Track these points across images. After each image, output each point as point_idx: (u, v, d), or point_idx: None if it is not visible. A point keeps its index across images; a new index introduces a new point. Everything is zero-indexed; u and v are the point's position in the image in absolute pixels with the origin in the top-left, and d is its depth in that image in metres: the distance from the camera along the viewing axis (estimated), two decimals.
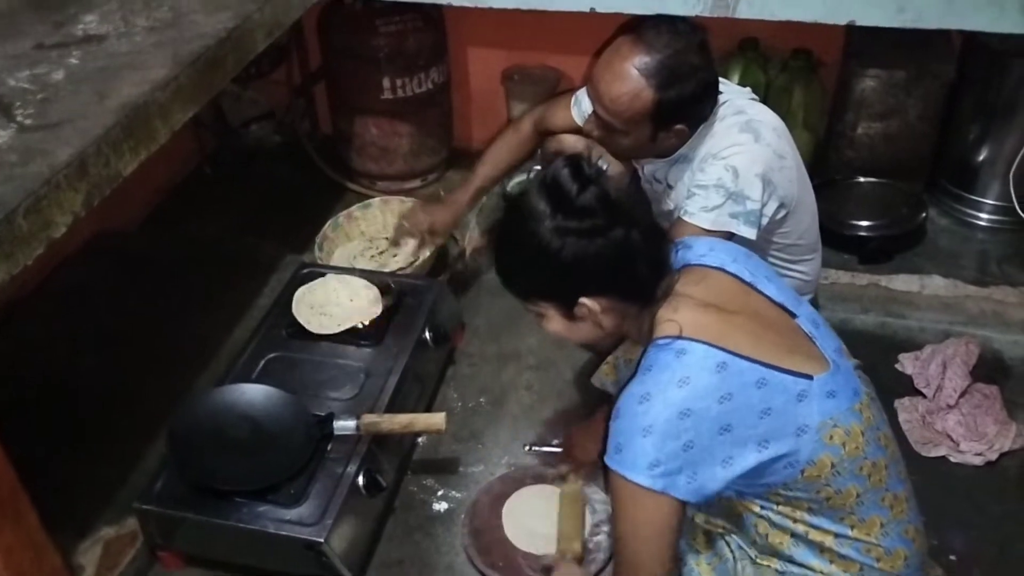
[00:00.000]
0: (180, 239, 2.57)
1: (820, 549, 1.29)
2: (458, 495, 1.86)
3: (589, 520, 1.74)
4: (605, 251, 1.20)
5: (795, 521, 1.27)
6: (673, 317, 1.22)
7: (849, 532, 1.26)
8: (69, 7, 1.78)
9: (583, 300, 1.25)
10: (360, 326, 1.96)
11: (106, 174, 1.32)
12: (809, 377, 1.20)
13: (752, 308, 1.28)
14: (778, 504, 1.27)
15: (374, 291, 2.05)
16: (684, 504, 1.19)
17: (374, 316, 1.98)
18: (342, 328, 1.96)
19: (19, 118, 1.36)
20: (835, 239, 2.27)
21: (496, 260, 1.33)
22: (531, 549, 1.71)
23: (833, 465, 1.20)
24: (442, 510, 1.84)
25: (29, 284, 2.26)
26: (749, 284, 1.32)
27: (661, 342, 1.21)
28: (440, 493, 1.87)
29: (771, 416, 1.17)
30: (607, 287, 1.25)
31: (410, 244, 2.26)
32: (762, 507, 1.28)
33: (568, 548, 1.64)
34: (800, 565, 1.31)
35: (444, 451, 1.96)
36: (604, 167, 1.24)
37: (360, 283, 2.07)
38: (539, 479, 1.85)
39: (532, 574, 1.67)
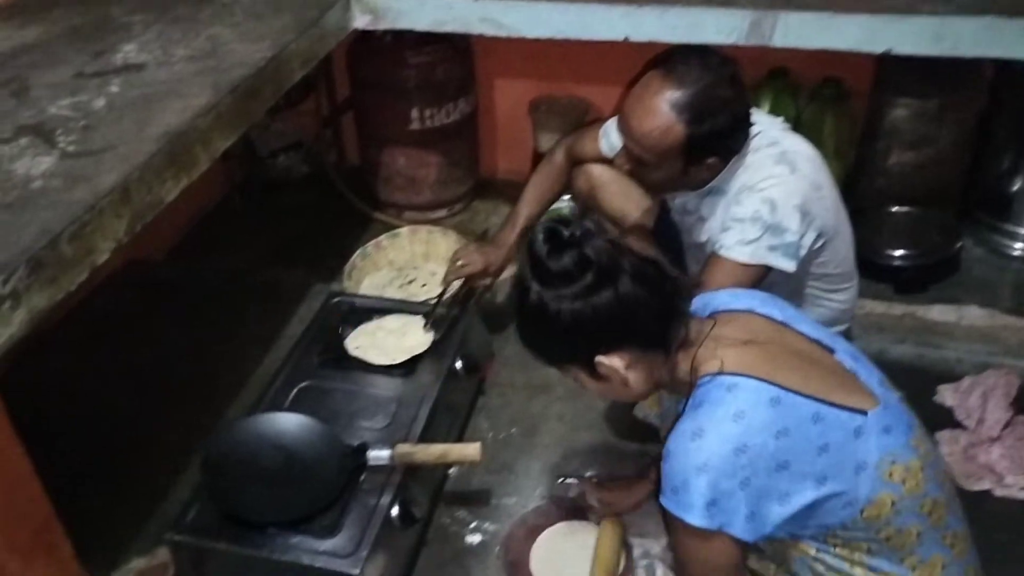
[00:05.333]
0: (209, 268, 2.57)
1: None
2: (491, 527, 1.83)
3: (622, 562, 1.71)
4: (601, 308, 1.18)
5: (853, 564, 1.22)
6: (714, 355, 1.20)
7: (910, 574, 1.22)
8: (108, 37, 1.80)
9: (599, 359, 1.22)
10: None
11: (148, 200, 1.32)
12: (863, 412, 1.17)
13: (791, 344, 1.25)
14: (836, 546, 1.22)
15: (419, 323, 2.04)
16: (743, 541, 1.16)
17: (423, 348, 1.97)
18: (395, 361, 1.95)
19: (61, 144, 1.36)
20: (870, 268, 2.23)
21: (518, 334, 1.32)
22: None
23: (893, 504, 1.16)
24: (475, 543, 1.80)
25: (59, 313, 2.26)
26: (782, 323, 1.29)
27: (706, 379, 1.18)
28: (473, 525, 1.84)
29: (829, 453, 1.14)
30: (617, 341, 1.22)
31: (455, 286, 2.22)
32: (818, 550, 1.23)
33: None
34: None
35: (476, 482, 1.93)
36: (590, 226, 1.22)
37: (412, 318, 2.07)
38: (573, 512, 1.82)
39: None
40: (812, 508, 1.15)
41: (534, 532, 1.78)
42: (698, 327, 1.26)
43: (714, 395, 1.16)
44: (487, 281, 2.15)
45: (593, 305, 1.18)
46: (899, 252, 2.34)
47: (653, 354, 1.25)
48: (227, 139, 1.53)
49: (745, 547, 1.17)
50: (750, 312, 1.30)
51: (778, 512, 1.14)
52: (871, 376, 1.25)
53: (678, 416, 1.21)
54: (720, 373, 1.17)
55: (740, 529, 1.13)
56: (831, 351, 1.27)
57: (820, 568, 1.25)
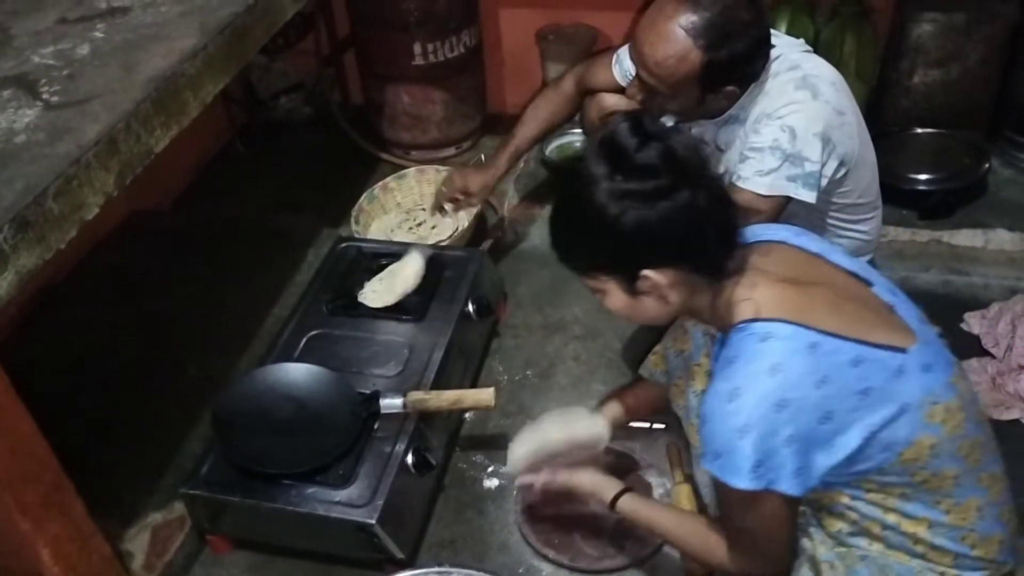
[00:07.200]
0: (215, 217, 2.52)
1: (913, 540, 1.20)
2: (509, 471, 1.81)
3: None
4: (670, 216, 1.08)
5: (886, 510, 1.18)
6: (749, 295, 1.12)
7: (944, 518, 1.17)
8: None
9: (646, 273, 1.13)
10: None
11: (137, 151, 1.27)
12: (903, 350, 1.11)
13: (827, 279, 1.18)
14: (869, 491, 1.17)
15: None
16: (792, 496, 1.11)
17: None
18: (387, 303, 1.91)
19: (45, 96, 1.31)
20: (893, 194, 2.14)
21: (551, 231, 1.21)
22: None
23: (932, 446, 1.11)
24: (493, 487, 1.79)
25: (65, 268, 2.24)
26: (817, 255, 1.22)
27: (740, 327, 1.11)
28: (490, 470, 1.82)
29: (871, 396, 1.08)
30: (673, 257, 1.13)
31: (448, 212, 2.19)
32: (852, 497, 1.19)
33: None
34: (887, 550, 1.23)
35: (492, 426, 1.91)
36: (670, 123, 1.13)
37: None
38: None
39: (590, 551, 1.62)
40: (854, 455, 1.10)
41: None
42: (742, 255, 1.17)
43: (748, 348, 1.09)
44: (474, 202, 2.17)
45: (661, 212, 1.08)
46: (924, 176, 2.26)
47: (700, 277, 1.16)
48: (218, 83, 1.47)
49: (795, 500, 1.12)
50: (783, 244, 1.23)
51: (824, 462, 1.09)
52: (909, 311, 1.19)
53: (717, 372, 1.14)
54: (755, 319, 1.10)
55: (788, 485, 1.08)
56: (868, 284, 1.21)
57: (854, 516, 1.21)
